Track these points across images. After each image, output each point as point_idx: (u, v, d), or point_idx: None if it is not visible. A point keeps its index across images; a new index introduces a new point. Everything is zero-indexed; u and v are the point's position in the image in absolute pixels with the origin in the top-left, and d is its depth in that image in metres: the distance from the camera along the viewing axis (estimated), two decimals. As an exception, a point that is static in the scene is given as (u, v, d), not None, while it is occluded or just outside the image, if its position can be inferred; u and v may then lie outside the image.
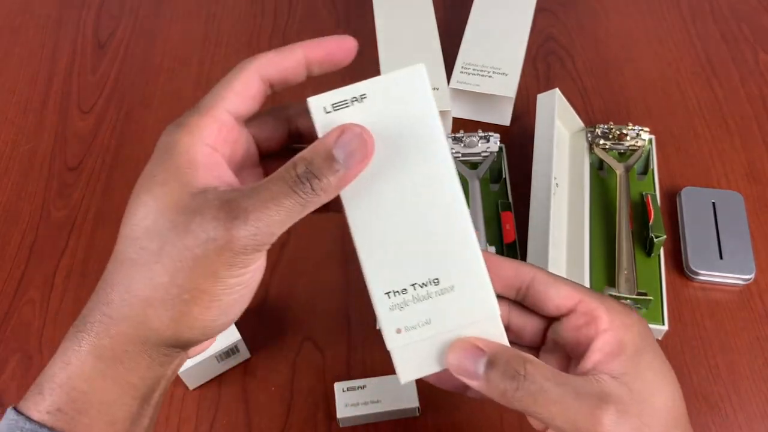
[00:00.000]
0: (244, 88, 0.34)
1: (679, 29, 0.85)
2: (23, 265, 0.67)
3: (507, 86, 0.73)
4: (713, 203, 0.68)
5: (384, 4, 0.81)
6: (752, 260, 0.64)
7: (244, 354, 0.60)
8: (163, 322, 0.33)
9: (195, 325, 0.33)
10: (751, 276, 0.63)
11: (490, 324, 0.36)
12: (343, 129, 0.32)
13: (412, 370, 0.36)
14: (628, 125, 0.71)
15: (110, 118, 0.78)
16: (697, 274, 0.64)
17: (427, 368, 0.36)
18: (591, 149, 0.71)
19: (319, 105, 0.34)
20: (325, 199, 0.32)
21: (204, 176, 0.33)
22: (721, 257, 0.64)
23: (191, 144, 0.33)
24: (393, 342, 0.36)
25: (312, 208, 0.32)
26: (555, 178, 0.63)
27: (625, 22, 0.86)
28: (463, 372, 0.35)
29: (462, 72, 0.74)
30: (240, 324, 0.58)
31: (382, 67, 0.74)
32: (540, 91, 0.71)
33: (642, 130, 0.70)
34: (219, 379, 0.60)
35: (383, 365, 0.60)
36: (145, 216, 0.32)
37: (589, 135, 0.71)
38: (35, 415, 0.33)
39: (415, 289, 0.35)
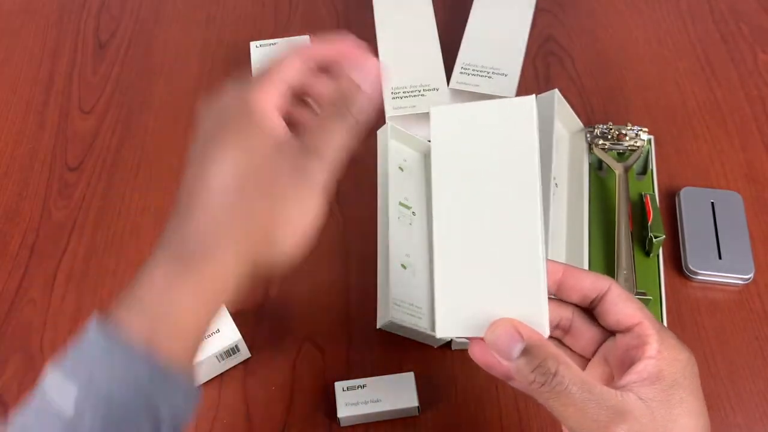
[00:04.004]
0: (294, 69, 0.41)
1: (678, 29, 0.85)
2: (24, 265, 0.67)
3: (506, 87, 0.73)
4: (712, 203, 0.68)
5: (384, 4, 0.81)
6: (751, 260, 0.64)
7: (245, 353, 0.60)
8: (258, 245, 0.38)
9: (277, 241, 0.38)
10: (750, 276, 0.64)
11: (536, 312, 0.37)
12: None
13: (452, 327, 0.39)
14: (627, 125, 0.71)
15: (111, 119, 0.78)
16: (696, 273, 0.64)
17: (467, 331, 0.38)
18: (590, 149, 0.71)
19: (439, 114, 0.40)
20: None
21: (274, 129, 0.38)
22: (720, 257, 0.64)
23: (265, 100, 0.39)
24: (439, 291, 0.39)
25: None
26: (554, 179, 0.64)
27: (624, 23, 0.86)
28: (496, 349, 0.37)
29: (462, 72, 0.74)
30: (240, 324, 0.59)
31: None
32: (540, 91, 0.71)
33: (641, 130, 0.70)
34: (219, 379, 0.60)
35: (383, 365, 0.60)
36: (236, 164, 0.37)
37: (588, 135, 0.71)
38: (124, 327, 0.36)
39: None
